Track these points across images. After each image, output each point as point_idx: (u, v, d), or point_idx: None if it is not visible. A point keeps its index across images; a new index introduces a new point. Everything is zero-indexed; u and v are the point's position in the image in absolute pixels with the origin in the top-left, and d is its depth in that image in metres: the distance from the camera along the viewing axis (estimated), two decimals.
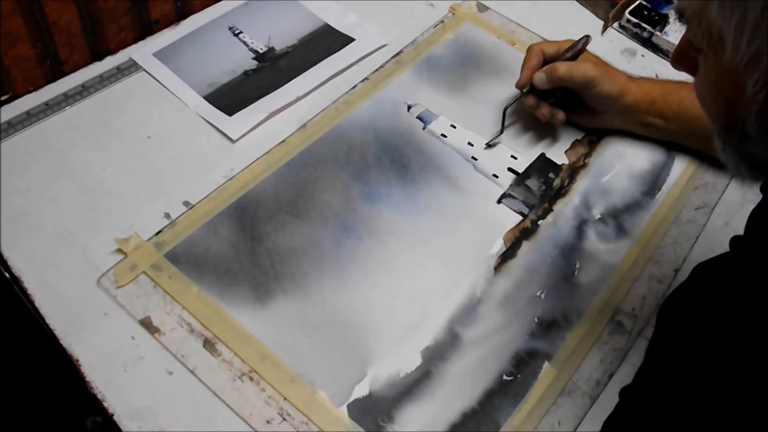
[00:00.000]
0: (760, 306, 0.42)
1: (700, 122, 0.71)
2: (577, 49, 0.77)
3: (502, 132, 0.80)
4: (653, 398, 0.47)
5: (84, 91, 0.79)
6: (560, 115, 0.78)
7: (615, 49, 0.93)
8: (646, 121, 0.77)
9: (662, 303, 0.52)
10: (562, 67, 0.75)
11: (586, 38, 0.78)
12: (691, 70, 0.48)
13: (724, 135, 0.46)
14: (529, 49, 0.79)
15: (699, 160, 0.80)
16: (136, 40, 0.85)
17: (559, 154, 0.80)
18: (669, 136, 0.79)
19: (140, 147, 0.76)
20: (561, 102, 0.78)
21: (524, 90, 0.78)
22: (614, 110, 0.77)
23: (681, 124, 0.76)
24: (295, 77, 0.84)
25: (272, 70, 0.84)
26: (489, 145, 0.79)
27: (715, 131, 0.47)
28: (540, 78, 0.76)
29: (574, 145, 0.80)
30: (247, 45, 0.87)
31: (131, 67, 0.83)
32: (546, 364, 0.64)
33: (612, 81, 0.75)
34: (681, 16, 0.46)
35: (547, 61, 0.78)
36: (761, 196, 0.49)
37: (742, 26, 0.39)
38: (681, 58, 0.49)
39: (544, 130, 0.81)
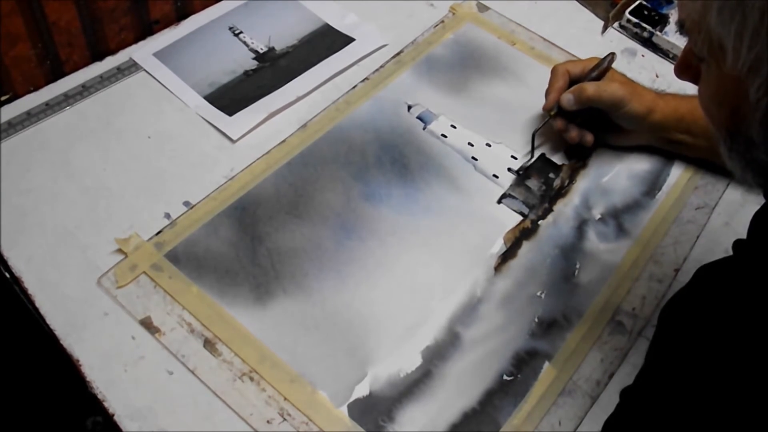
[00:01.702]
0: (763, 310, 0.42)
1: None
2: (602, 68, 0.76)
3: (532, 156, 0.78)
4: (654, 400, 0.47)
5: (84, 91, 0.79)
6: (589, 137, 0.76)
7: (615, 49, 0.92)
8: (674, 138, 0.76)
9: (664, 306, 0.52)
10: (590, 88, 0.73)
11: (612, 56, 0.77)
12: (694, 80, 0.48)
13: (729, 142, 0.46)
14: (554, 70, 0.78)
15: (699, 160, 0.80)
16: (136, 40, 0.85)
17: (559, 154, 0.80)
18: (698, 152, 0.77)
19: (140, 147, 0.76)
20: (587, 121, 0.77)
21: (552, 113, 0.76)
22: (642, 128, 0.76)
23: (709, 140, 0.74)
24: (295, 77, 0.84)
25: (272, 70, 0.84)
26: (518, 172, 0.77)
27: (721, 139, 0.47)
28: (568, 99, 0.74)
29: (574, 144, 0.80)
30: (247, 45, 0.87)
31: (131, 67, 0.83)
32: (546, 364, 0.64)
33: (640, 99, 0.74)
34: (682, 27, 0.46)
35: (573, 81, 0.77)
36: (762, 195, 0.49)
37: (741, 33, 0.39)
38: (684, 68, 0.49)
39: (544, 131, 0.81)
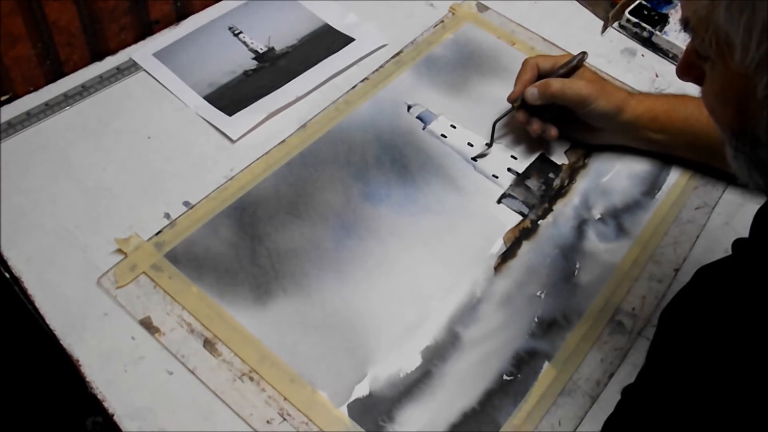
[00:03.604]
0: (763, 310, 0.42)
1: (708, 137, 0.70)
2: (572, 65, 0.76)
3: (490, 145, 0.79)
4: (654, 399, 0.47)
5: (84, 91, 0.79)
6: (553, 131, 0.76)
7: (615, 49, 0.93)
8: (647, 137, 0.76)
9: (664, 308, 0.52)
10: (555, 84, 0.73)
11: (583, 54, 0.77)
12: (698, 80, 0.48)
13: (735, 142, 0.45)
14: (525, 63, 0.78)
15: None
16: (136, 40, 0.85)
17: (559, 154, 0.80)
18: (673, 150, 0.77)
19: (140, 147, 0.76)
20: (560, 118, 0.76)
21: (515, 104, 0.76)
22: (612, 127, 0.76)
23: (687, 139, 0.74)
24: (295, 77, 0.84)
25: (272, 70, 0.84)
26: (478, 157, 0.78)
27: (726, 139, 0.46)
28: (532, 93, 0.74)
29: (574, 145, 0.80)
30: (247, 45, 0.87)
31: (131, 67, 0.83)
32: (546, 364, 0.64)
33: (607, 98, 0.73)
34: (686, 26, 0.45)
35: (542, 75, 0.77)
36: (762, 195, 0.49)
37: (750, 29, 0.39)
38: (687, 68, 0.48)
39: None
